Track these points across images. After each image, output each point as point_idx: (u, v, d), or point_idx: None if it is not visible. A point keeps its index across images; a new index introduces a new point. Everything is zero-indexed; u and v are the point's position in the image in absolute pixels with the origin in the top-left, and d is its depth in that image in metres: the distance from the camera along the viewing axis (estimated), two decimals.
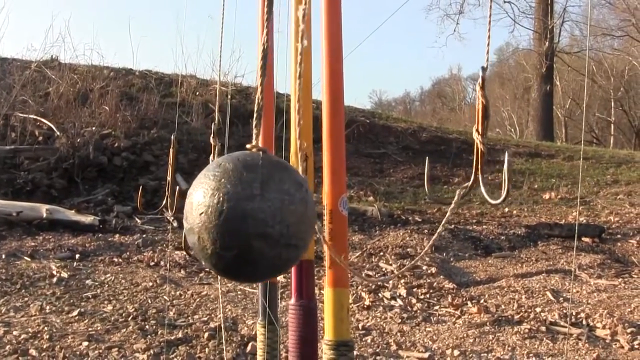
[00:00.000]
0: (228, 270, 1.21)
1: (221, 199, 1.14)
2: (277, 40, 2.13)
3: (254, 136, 1.25)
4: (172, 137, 2.36)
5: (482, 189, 1.47)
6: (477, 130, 1.48)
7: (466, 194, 1.54)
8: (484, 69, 1.47)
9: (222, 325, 5.21)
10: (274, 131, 2.21)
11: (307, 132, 1.74)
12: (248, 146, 1.23)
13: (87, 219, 9.13)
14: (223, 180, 1.16)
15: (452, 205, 1.52)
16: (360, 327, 5.36)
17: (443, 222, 1.56)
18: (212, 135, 2.17)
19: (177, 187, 2.34)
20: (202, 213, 1.16)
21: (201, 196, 1.17)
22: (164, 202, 2.39)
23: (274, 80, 2.21)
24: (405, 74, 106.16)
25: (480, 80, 1.47)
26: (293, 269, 1.74)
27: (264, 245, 1.14)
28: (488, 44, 1.51)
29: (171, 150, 2.36)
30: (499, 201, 1.50)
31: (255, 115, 1.27)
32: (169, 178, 2.34)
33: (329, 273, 1.64)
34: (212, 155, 2.16)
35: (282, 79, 2.02)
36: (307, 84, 1.75)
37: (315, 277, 1.84)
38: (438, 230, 1.57)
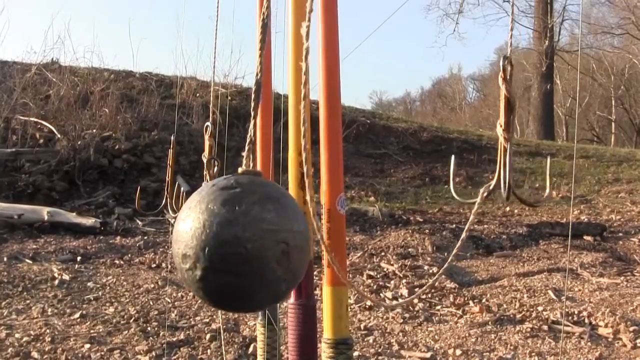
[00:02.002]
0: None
1: (193, 226, 1.14)
2: (275, 40, 2.12)
3: (244, 163, 1.23)
4: (172, 137, 2.36)
5: (502, 189, 1.37)
6: (500, 124, 1.40)
7: (490, 194, 1.43)
8: (505, 58, 1.37)
9: (222, 327, 5.21)
10: (272, 132, 2.20)
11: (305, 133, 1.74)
12: (239, 170, 1.22)
13: (88, 221, 9.13)
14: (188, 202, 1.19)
15: (475, 208, 1.43)
16: (362, 327, 5.36)
17: (467, 226, 1.50)
18: (208, 133, 2.16)
19: (178, 189, 2.33)
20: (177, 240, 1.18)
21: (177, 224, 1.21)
22: (164, 202, 2.38)
23: (271, 80, 2.21)
24: (406, 74, 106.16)
25: (502, 71, 1.37)
26: None
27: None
28: (511, 29, 1.43)
29: (171, 151, 2.36)
30: (505, 195, 1.39)
31: (247, 146, 1.25)
32: (168, 179, 2.33)
33: (327, 272, 1.64)
34: (205, 153, 2.15)
35: (280, 79, 2.02)
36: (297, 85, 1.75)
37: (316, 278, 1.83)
38: (462, 237, 1.51)
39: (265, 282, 1.15)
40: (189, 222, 1.13)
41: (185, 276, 1.14)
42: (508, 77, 1.39)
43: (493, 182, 1.38)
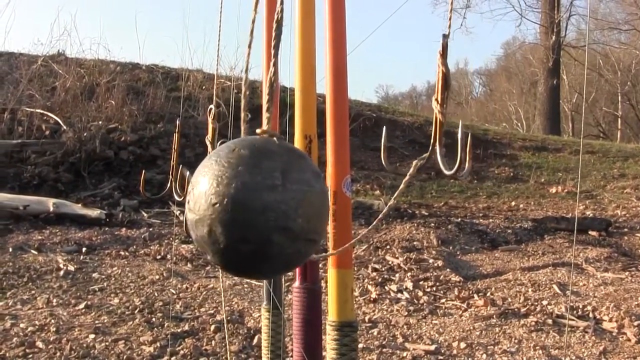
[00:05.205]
0: (241, 266, 1.12)
1: (239, 188, 1.04)
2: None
3: (264, 120, 1.15)
4: (177, 121, 2.36)
5: (439, 160, 1.44)
6: (436, 99, 1.43)
7: (423, 165, 1.50)
8: (445, 37, 1.43)
9: (225, 318, 5.21)
10: (278, 125, 2.20)
11: (311, 117, 1.73)
12: (258, 131, 1.14)
13: (94, 212, 9.15)
14: (240, 167, 1.06)
15: (407, 178, 1.49)
16: (366, 320, 5.36)
17: (396, 193, 1.53)
18: (211, 116, 2.15)
19: (182, 172, 2.32)
20: (216, 203, 1.05)
21: (214, 184, 1.06)
22: (168, 185, 2.37)
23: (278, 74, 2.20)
24: (412, 69, 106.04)
25: (441, 48, 1.43)
26: None
27: (284, 240, 1.06)
28: (451, 10, 1.47)
29: (176, 134, 2.36)
30: (451, 172, 1.45)
31: (266, 98, 1.18)
32: (173, 162, 2.32)
33: None
34: (209, 136, 2.14)
35: (286, 72, 2.01)
36: (310, 71, 1.75)
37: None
38: (389, 203, 1.55)
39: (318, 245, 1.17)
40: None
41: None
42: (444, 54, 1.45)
43: (426, 155, 1.46)
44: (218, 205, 1.05)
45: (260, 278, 1.98)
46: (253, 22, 1.30)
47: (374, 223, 1.63)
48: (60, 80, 13.95)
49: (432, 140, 1.47)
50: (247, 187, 1.04)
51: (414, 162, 1.48)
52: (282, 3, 1.20)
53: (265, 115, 1.16)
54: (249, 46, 1.32)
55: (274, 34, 1.19)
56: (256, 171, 1.06)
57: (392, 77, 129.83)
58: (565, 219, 9.97)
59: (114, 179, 11.27)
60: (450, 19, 1.46)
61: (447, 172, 1.44)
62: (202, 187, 1.08)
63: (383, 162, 1.60)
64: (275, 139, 1.12)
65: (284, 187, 1.06)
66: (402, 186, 1.48)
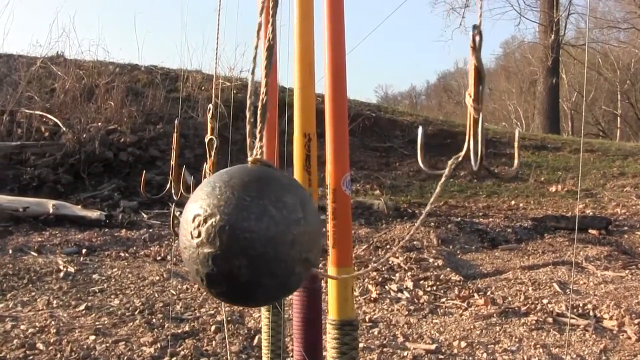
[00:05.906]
0: (258, 299, 1.13)
1: (269, 223, 1.04)
2: (279, 33, 2.11)
3: (257, 150, 1.16)
4: (175, 121, 2.36)
5: (472, 160, 1.37)
6: (469, 94, 1.36)
7: (459, 165, 1.45)
8: (475, 27, 1.30)
9: (225, 318, 5.21)
10: (277, 125, 2.20)
11: (310, 115, 1.73)
12: (251, 159, 1.15)
13: (94, 214, 9.15)
14: (263, 202, 1.06)
15: (443, 180, 1.45)
16: (367, 319, 5.36)
17: (432, 198, 1.50)
18: (210, 114, 2.15)
19: (182, 174, 2.32)
20: (244, 239, 1.04)
21: (239, 220, 1.05)
22: (168, 186, 2.37)
23: (276, 74, 2.20)
24: (411, 68, 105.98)
25: (471, 40, 1.31)
26: None
27: (303, 270, 1.09)
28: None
29: (175, 135, 2.36)
30: (476, 168, 1.41)
31: (260, 126, 1.20)
32: (172, 162, 2.32)
33: (332, 252, 1.63)
34: (209, 133, 2.13)
35: (285, 73, 2.01)
36: (309, 69, 1.75)
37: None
38: (429, 203, 1.52)
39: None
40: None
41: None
42: (477, 47, 1.33)
43: (462, 154, 1.38)
44: (246, 240, 1.04)
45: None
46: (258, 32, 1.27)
47: (411, 232, 1.62)
48: (59, 81, 13.95)
49: (467, 138, 1.40)
50: (276, 222, 1.05)
51: (449, 163, 1.43)
52: (273, 31, 1.19)
53: (257, 144, 1.16)
54: (252, 72, 1.30)
55: (264, 62, 1.19)
56: (280, 205, 1.06)
57: (391, 77, 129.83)
58: (565, 217, 9.97)
59: (113, 180, 11.27)
60: (480, 7, 1.38)
61: (475, 168, 1.39)
62: (223, 222, 1.06)
63: (420, 164, 1.53)
64: (272, 168, 1.14)
65: (305, 219, 1.08)
66: (437, 189, 1.43)
